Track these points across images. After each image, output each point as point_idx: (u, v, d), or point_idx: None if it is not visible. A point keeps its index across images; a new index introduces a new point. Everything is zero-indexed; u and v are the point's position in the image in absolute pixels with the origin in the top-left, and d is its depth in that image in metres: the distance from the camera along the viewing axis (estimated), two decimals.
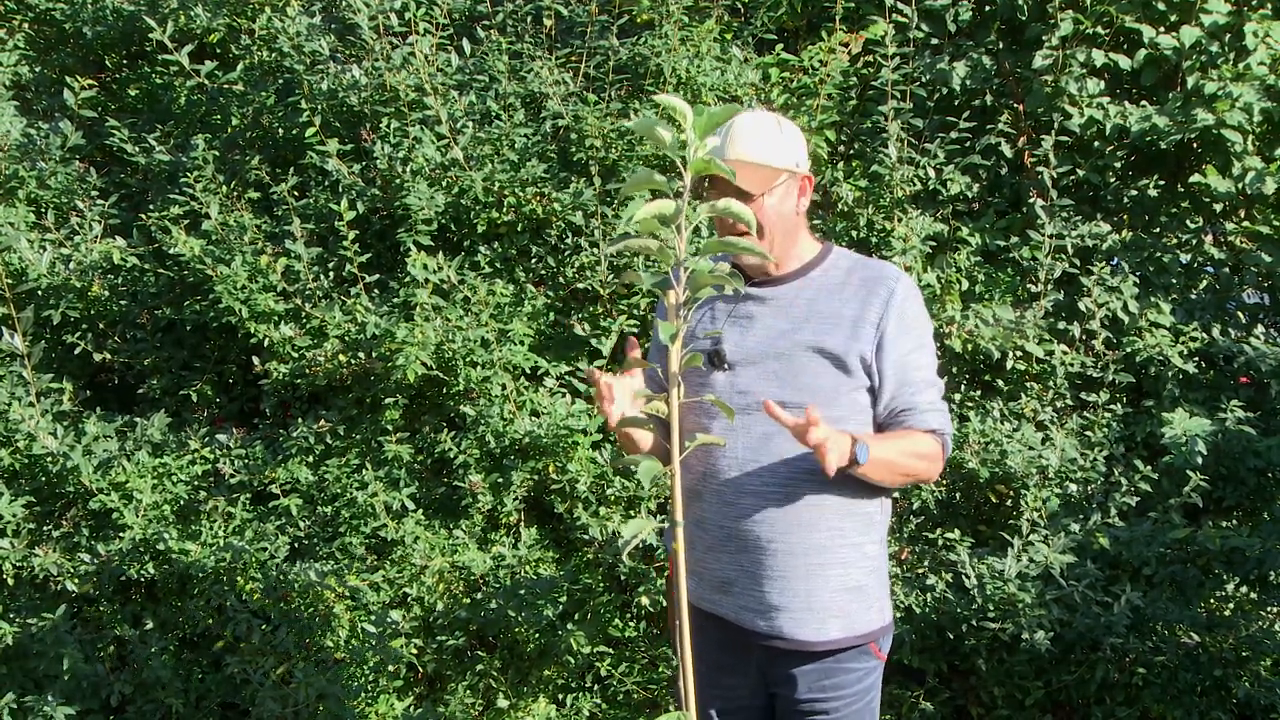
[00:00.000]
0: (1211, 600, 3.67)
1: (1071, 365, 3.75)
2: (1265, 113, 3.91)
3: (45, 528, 3.48)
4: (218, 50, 4.40)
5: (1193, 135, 3.88)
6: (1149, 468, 3.51)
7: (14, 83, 4.30)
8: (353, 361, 3.51)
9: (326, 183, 3.81)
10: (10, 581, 3.34)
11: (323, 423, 3.56)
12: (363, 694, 3.45)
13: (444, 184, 3.66)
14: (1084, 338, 3.83)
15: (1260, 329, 4.20)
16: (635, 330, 3.64)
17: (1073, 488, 3.61)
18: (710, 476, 2.13)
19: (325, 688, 3.25)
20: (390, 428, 3.55)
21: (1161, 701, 3.47)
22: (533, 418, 3.49)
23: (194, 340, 3.86)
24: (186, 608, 3.44)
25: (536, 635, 3.52)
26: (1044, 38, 4.00)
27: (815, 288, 2.14)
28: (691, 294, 1.74)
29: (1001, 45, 4.30)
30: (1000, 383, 3.89)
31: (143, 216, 3.80)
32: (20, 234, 3.62)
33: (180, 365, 3.83)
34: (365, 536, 3.51)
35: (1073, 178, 4.05)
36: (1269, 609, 3.67)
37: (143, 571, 3.39)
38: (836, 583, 2.11)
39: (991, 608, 3.36)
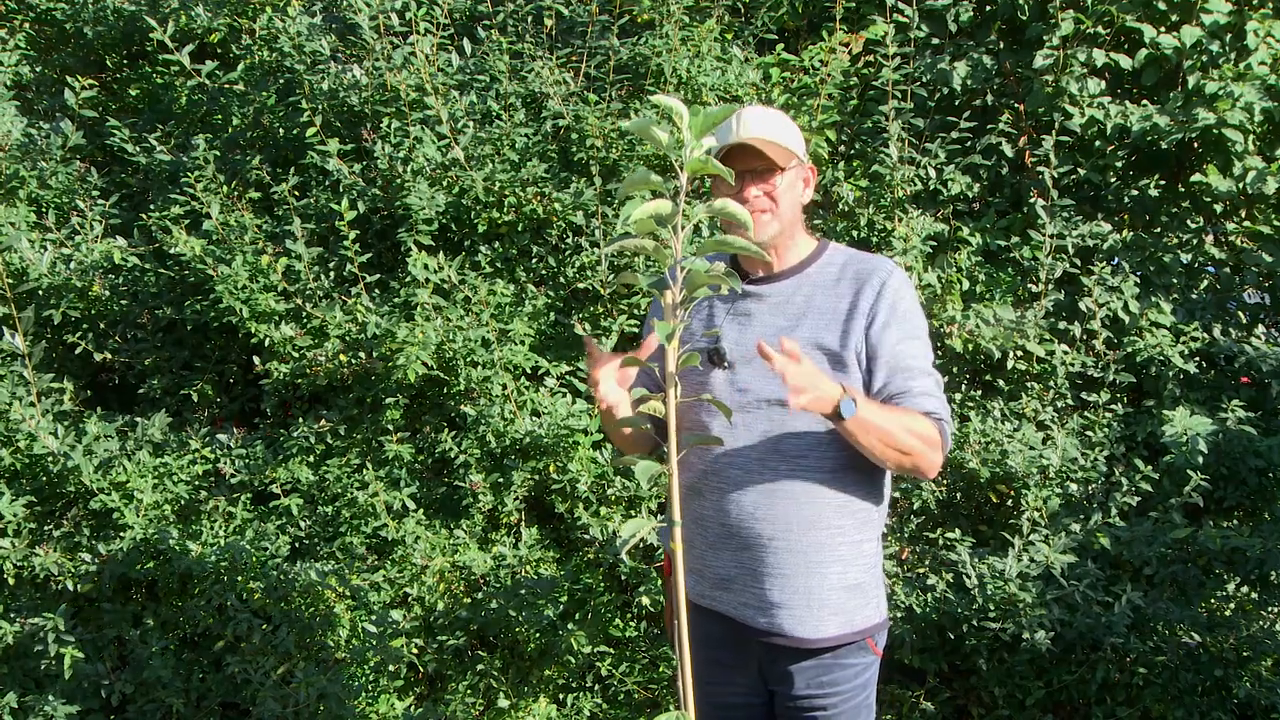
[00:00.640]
0: (1212, 600, 3.66)
1: (1072, 365, 3.75)
2: (1266, 112, 3.91)
3: (46, 527, 3.48)
4: (218, 50, 4.40)
5: (1193, 135, 3.88)
6: (1150, 467, 3.51)
7: (15, 83, 4.30)
8: (353, 361, 3.52)
9: (327, 182, 3.81)
10: (11, 581, 3.34)
11: (323, 422, 3.56)
12: (363, 694, 3.46)
13: (445, 184, 3.66)
14: (1085, 337, 3.82)
15: (1261, 329, 4.20)
16: (636, 330, 3.64)
17: (1073, 487, 3.61)
18: (711, 474, 2.13)
19: (326, 687, 3.26)
20: (391, 427, 3.55)
21: (1162, 701, 3.46)
22: (533, 418, 3.50)
23: (195, 340, 3.86)
24: (187, 607, 3.44)
25: (537, 635, 3.52)
26: (1045, 37, 3.99)
27: (812, 284, 2.15)
28: (688, 293, 1.74)
29: (1002, 45, 4.30)
30: (1001, 382, 3.89)
31: (143, 216, 3.80)
32: (21, 234, 3.63)
33: (181, 365, 3.83)
34: (366, 536, 3.51)
35: (1073, 177, 4.05)
36: (1270, 609, 3.66)
37: (143, 571, 3.39)
38: (835, 580, 2.11)
39: (992, 607, 3.36)
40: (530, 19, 4.03)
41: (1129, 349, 3.83)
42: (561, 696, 3.67)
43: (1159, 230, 4.19)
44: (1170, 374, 3.86)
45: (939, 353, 3.79)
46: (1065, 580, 3.41)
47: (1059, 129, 3.84)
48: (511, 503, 3.55)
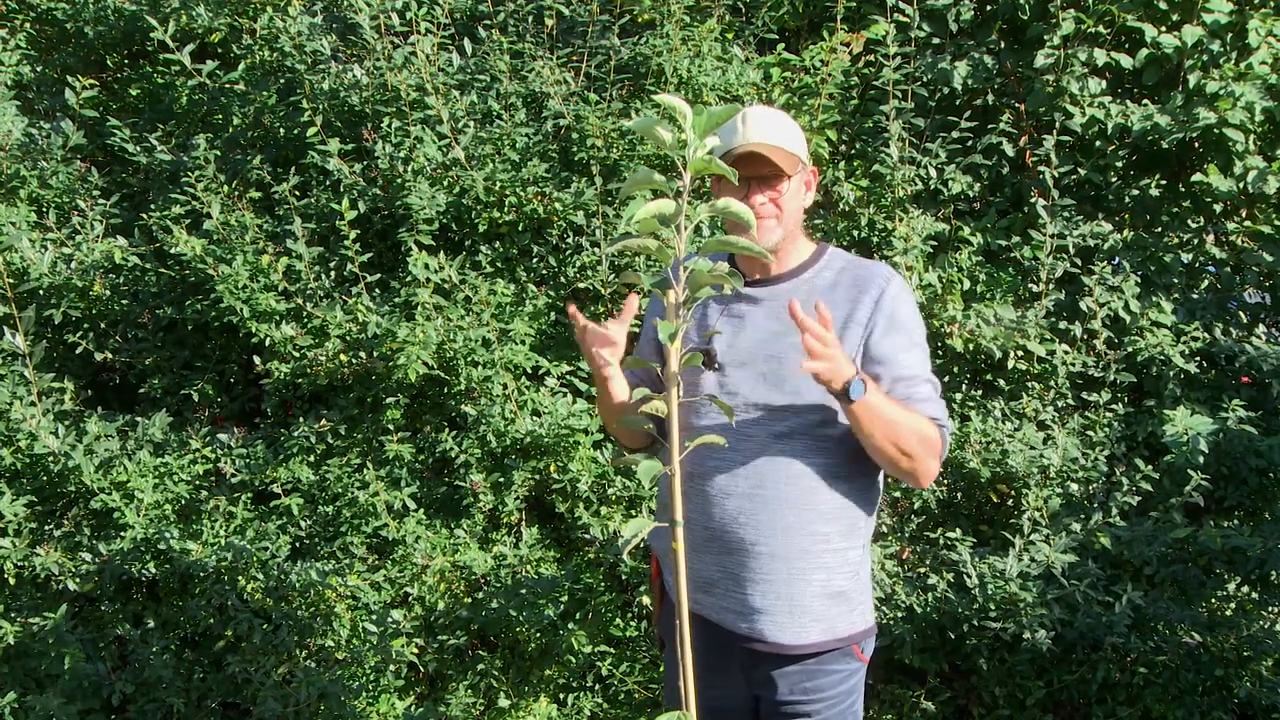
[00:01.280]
0: (1213, 600, 3.66)
1: (1073, 365, 3.75)
2: (1267, 112, 3.90)
3: (47, 527, 3.48)
4: (219, 50, 4.40)
5: (1194, 134, 3.87)
6: (1150, 467, 3.51)
7: (15, 82, 4.30)
8: (354, 361, 3.52)
9: (328, 182, 3.81)
10: (11, 581, 3.34)
11: (324, 422, 3.56)
12: (364, 693, 3.46)
13: (445, 183, 3.66)
14: (1085, 337, 3.82)
15: (1261, 328, 4.20)
16: (636, 330, 3.63)
17: (1074, 487, 3.61)
18: (696, 477, 2.11)
19: (326, 687, 3.26)
20: (391, 427, 3.55)
21: (1163, 701, 3.47)
22: (534, 417, 3.49)
23: (195, 340, 3.86)
24: (188, 607, 3.44)
25: (537, 635, 3.52)
26: (1045, 37, 3.99)
27: (808, 289, 2.13)
28: (691, 293, 1.74)
29: (1003, 45, 4.30)
30: (1001, 382, 3.89)
31: (144, 216, 3.80)
32: (22, 233, 3.62)
33: (181, 365, 3.83)
34: (366, 536, 3.51)
35: (1074, 177, 4.05)
36: (1270, 609, 3.66)
37: (144, 571, 3.39)
38: (818, 587, 2.10)
39: (993, 607, 3.36)
40: (531, 19, 4.03)
41: (1130, 349, 3.83)
42: (562, 696, 3.67)
43: (1160, 230, 4.19)
44: (1171, 374, 3.86)
45: (940, 353, 3.79)
46: (1066, 580, 3.41)
47: (1060, 129, 3.84)
48: (512, 502, 3.55)
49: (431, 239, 3.60)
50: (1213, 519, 3.76)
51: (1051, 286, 3.83)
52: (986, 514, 3.78)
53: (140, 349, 3.78)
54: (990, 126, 4.01)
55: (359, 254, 3.50)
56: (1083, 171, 4.04)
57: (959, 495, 3.76)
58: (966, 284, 3.90)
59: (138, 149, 3.95)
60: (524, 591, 3.42)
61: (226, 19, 4.30)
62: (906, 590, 3.48)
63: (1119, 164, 4.10)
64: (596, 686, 3.73)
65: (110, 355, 3.76)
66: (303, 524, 3.55)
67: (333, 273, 3.68)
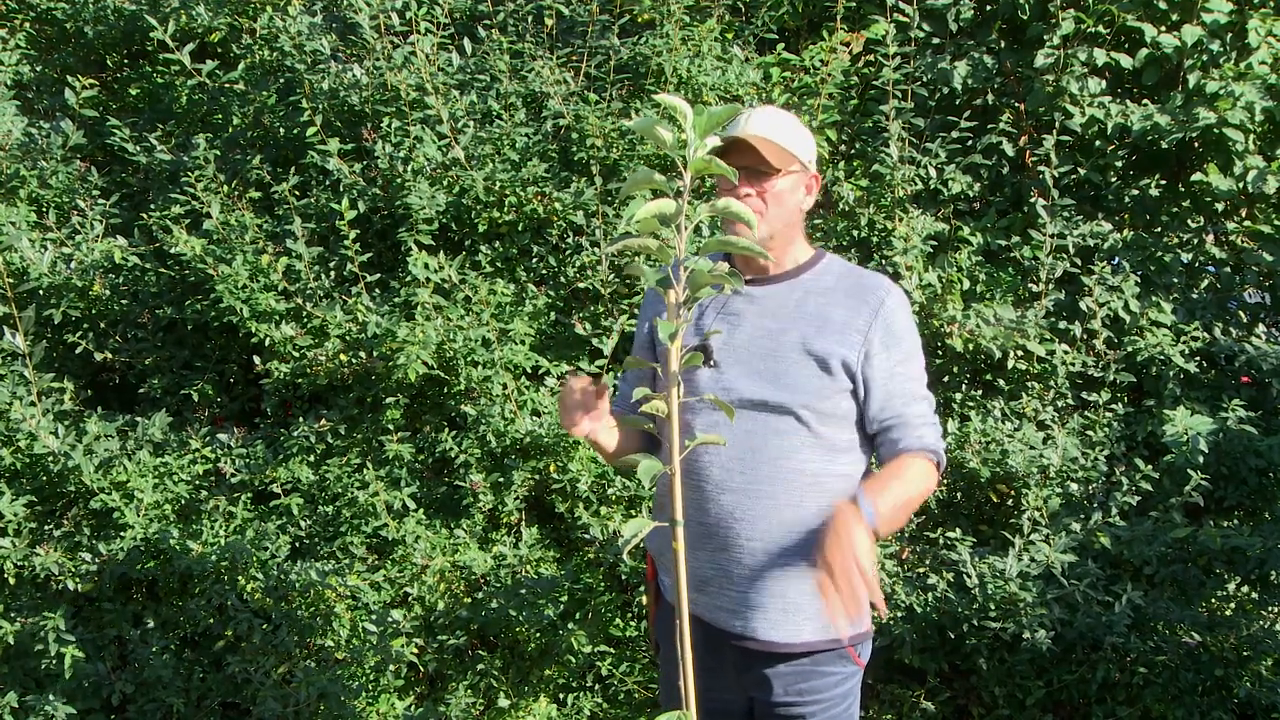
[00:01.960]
0: (1213, 600, 3.66)
1: (1073, 364, 3.75)
2: (1267, 112, 3.91)
3: (46, 527, 3.48)
4: (219, 49, 4.40)
5: (1194, 134, 3.88)
6: (1150, 467, 3.51)
7: (15, 82, 4.30)
8: (354, 361, 3.52)
9: (327, 182, 3.81)
10: (11, 581, 3.34)
11: (324, 422, 3.56)
12: (363, 693, 3.45)
13: (445, 183, 3.66)
14: (1085, 337, 3.82)
15: (1261, 328, 4.21)
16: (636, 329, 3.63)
17: (1074, 487, 3.61)
18: (691, 473, 2.11)
19: (326, 687, 3.26)
20: (391, 427, 3.55)
21: (1162, 701, 3.47)
22: (534, 417, 3.50)
23: (195, 340, 3.86)
24: (187, 607, 3.44)
25: (537, 635, 3.52)
26: (1045, 37, 3.99)
27: (804, 289, 2.13)
28: (691, 293, 1.74)
29: (1003, 44, 4.30)
30: (1001, 382, 3.89)
31: (144, 216, 3.80)
32: (21, 233, 3.62)
33: (181, 365, 3.83)
34: (366, 536, 3.51)
35: (1074, 177, 4.05)
36: (1270, 609, 3.66)
37: (144, 571, 3.39)
38: (812, 585, 2.08)
39: (992, 607, 3.36)
40: (530, 18, 4.03)
41: (1129, 348, 3.84)
42: (562, 696, 3.67)
43: (1159, 230, 4.19)
44: (1171, 373, 3.86)
45: (940, 352, 3.79)
46: (1066, 580, 3.41)
47: (1059, 128, 3.84)
48: (512, 502, 3.55)
49: (431, 239, 3.60)
50: (1212, 519, 3.76)
51: (1051, 286, 3.83)
52: (986, 514, 3.78)
53: (140, 349, 3.78)
54: (990, 126, 4.01)
55: (359, 254, 3.49)
56: (1082, 171, 4.04)
57: (959, 495, 3.76)
58: (966, 284, 3.90)
59: (137, 149, 3.95)
60: (524, 591, 3.42)
61: (226, 19, 4.30)
62: (906, 590, 3.48)
63: (1119, 164, 4.10)
64: (596, 686, 3.73)
65: (110, 355, 3.75)
66: (302, 524, 3.55)
67: (332, 273, 3.68)
